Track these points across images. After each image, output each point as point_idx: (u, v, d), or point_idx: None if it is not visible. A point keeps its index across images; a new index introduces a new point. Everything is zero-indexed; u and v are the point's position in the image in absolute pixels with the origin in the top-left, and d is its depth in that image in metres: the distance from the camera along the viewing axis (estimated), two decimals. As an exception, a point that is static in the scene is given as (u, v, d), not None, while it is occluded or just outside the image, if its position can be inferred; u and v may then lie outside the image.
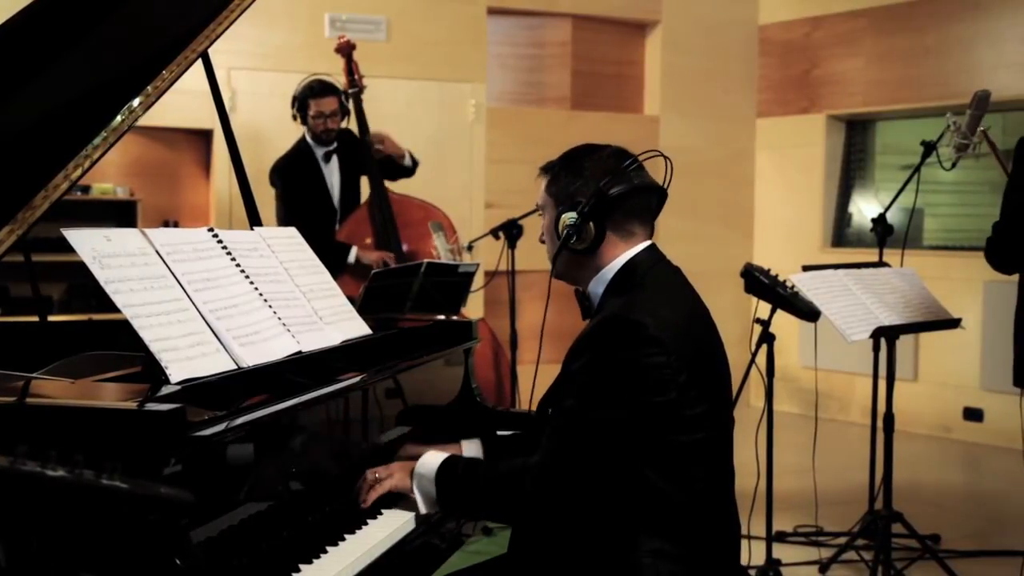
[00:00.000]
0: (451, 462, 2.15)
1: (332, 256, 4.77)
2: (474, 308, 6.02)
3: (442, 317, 4.11)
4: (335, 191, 5.00)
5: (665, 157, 2.14)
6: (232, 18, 2.52)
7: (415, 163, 5.19)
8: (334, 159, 4.98)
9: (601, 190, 2.09)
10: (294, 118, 4.96)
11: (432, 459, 2.15)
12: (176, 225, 5.98)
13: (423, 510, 2.16)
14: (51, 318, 4.36)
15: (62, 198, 2.08)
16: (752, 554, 3.99)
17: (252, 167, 5.60)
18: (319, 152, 4.96)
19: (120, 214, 5.77)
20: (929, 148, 4.09)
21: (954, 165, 3.96)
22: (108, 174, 5.87)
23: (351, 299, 3.58)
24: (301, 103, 4.92)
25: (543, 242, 2.26)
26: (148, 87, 2.30)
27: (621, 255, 2.14)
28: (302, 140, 5.00)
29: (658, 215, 2.22)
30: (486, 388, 5.00)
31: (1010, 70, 6.15)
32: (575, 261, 2.17)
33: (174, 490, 1.48)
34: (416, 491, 2.15)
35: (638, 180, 2.13)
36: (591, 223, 2.10)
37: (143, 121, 6.03)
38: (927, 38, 6.67)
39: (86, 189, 5.65)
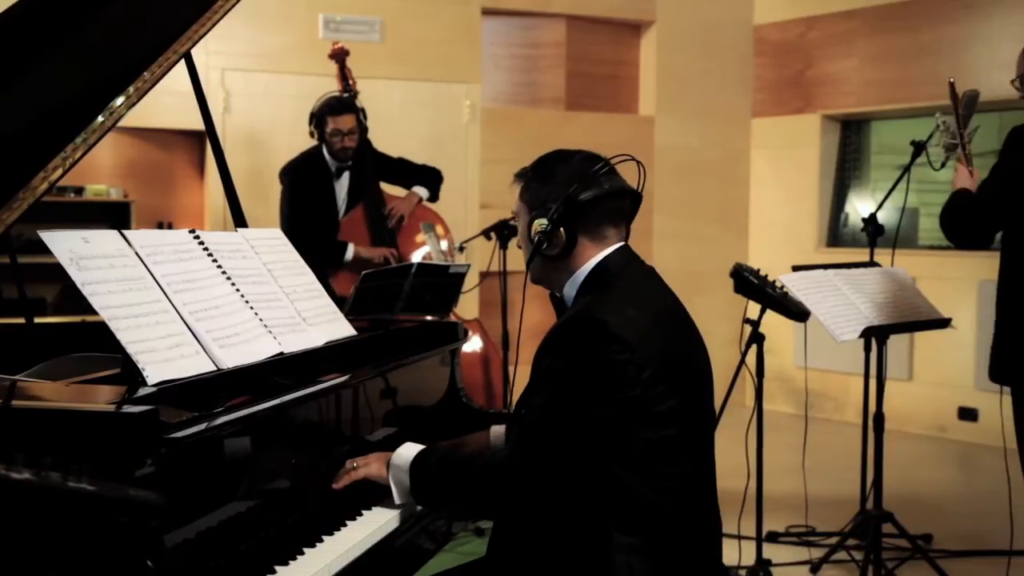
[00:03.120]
0: (426, 453, 2.18)
1: (329, 254, 4.77)
2: (469, 309, 6.02)
3: (434, 318, 4.12)
4: (341, 204, 4.99)
5: (637, 161, 2.15)
6: (215, 19, 2.51)
7: (432, 199, 5.20)
8: (346, 175, 4.97)
9: (570, 196, 2.10)
10: (311, 135, 4.93)
11: (407, 450, 2.19)
12: (170, 226, 5.98)
13: (397, 500, 2.19)
14: (45, 320, 4.37)
15: (41, 199, 2.08)
16: (743, 554, 3.98)
17: (247, 168, 5.69)
18: (333, 166, 4.95)
19: (114, 215, 5.76)
20: (919, 148, 4.08)
21: (943, 165, 3.95)
22: (102, 175, 5.87)
23: (344, 298, 3.60)
24: (319, 120, 4.88)
25: (520, 247, 2.28)
26: (130, 87, 2.29)
27: (593, 257, 2.15)
28: (318, 147, 4.97)
29: (633, 218, 2.24)
30: (477, 389, 5.00)
31: (1004, 70, 6.09)
32: (549, 266, 2.19)
33: (143, 492, 1.48)
34: (391, 481, 2.19)
35: (608, 184, 2.14)
36: (561, 228, 2.12)
37: (137, 122, 5.97)
38: (921, 38, 6.67)
39: (80, 190, 5.66)
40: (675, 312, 2.18)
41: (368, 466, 2.22)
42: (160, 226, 5.95)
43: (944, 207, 3.42)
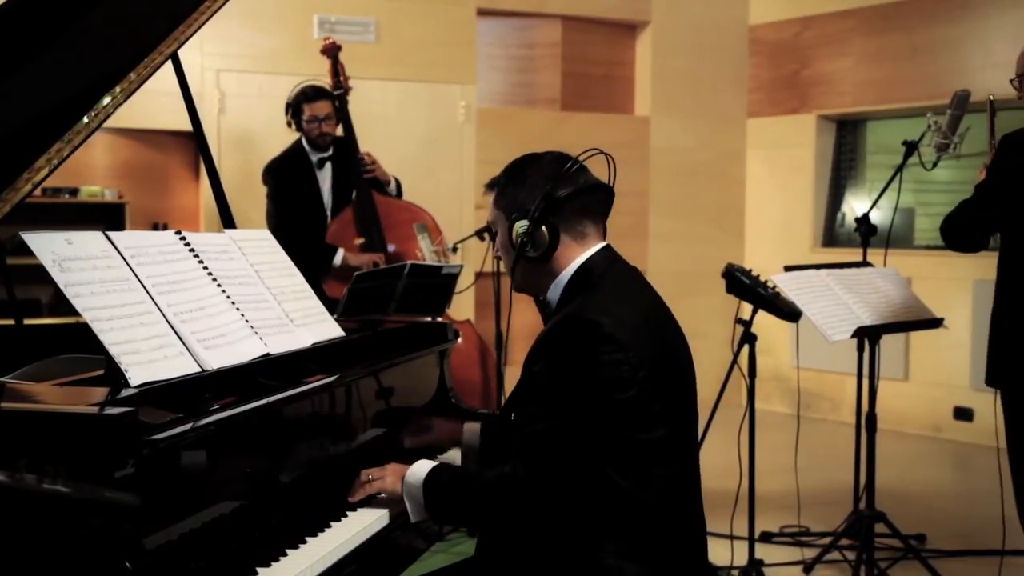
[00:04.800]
0: (438, 471, 2.16)
1: (318, 258, 4.77)
2: (463, 309, 6.01)
3: (428, 319, 4.11)
4: (327, 197, 5.00)
5: (607, 155, 2.15)
6: (202, 20, 2.51)
7: (399, 192, 5.19)
8: (328, 166, 4.98)
9: (549, 193, 2.10)
10: (289, 125, 4.95)
11: (421, 468, 2.16)
12: (165, 228, 5.98)
13: (413, 518, 2.17)
14: (40, 321, 4.37)
15: (26, 199, 2.08)
16: (736, 554, 3.98)
17: (241, 169, 5.69)
18: (314, 157, 4.96)
19: (108, 217, 5.76)
20: (911, 148, 4.08)
21: (935, 165, 3.95)
22: (96, 176, 5.87)
23: (336, 301, 3.60)
24: (295, 109, 4.91)
25: (498, 258, 2.26)
26: (116, 88, 2.30)
27: (576, 258, 2.14)
28: (297, 142, 4.99)
29: (608, 214, 2.23)
30: (471, 390, 5.00)
31: (998, 69, 6.10)
32: (533, 270, 2.17)
33: (117, 494, 1.48)
34: (405, 497, 2.16)
35: (583, 180, 2.15)
36: (544, 227, 2.11)
37: (132, 123, 5.95)
38: (916, 38, 6.67)
39: (74, 191, 5.65)
40: (661, 312, 2.17)
41: (383, 480, 2.20)
42: (155, 227, 5.95)
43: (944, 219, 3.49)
